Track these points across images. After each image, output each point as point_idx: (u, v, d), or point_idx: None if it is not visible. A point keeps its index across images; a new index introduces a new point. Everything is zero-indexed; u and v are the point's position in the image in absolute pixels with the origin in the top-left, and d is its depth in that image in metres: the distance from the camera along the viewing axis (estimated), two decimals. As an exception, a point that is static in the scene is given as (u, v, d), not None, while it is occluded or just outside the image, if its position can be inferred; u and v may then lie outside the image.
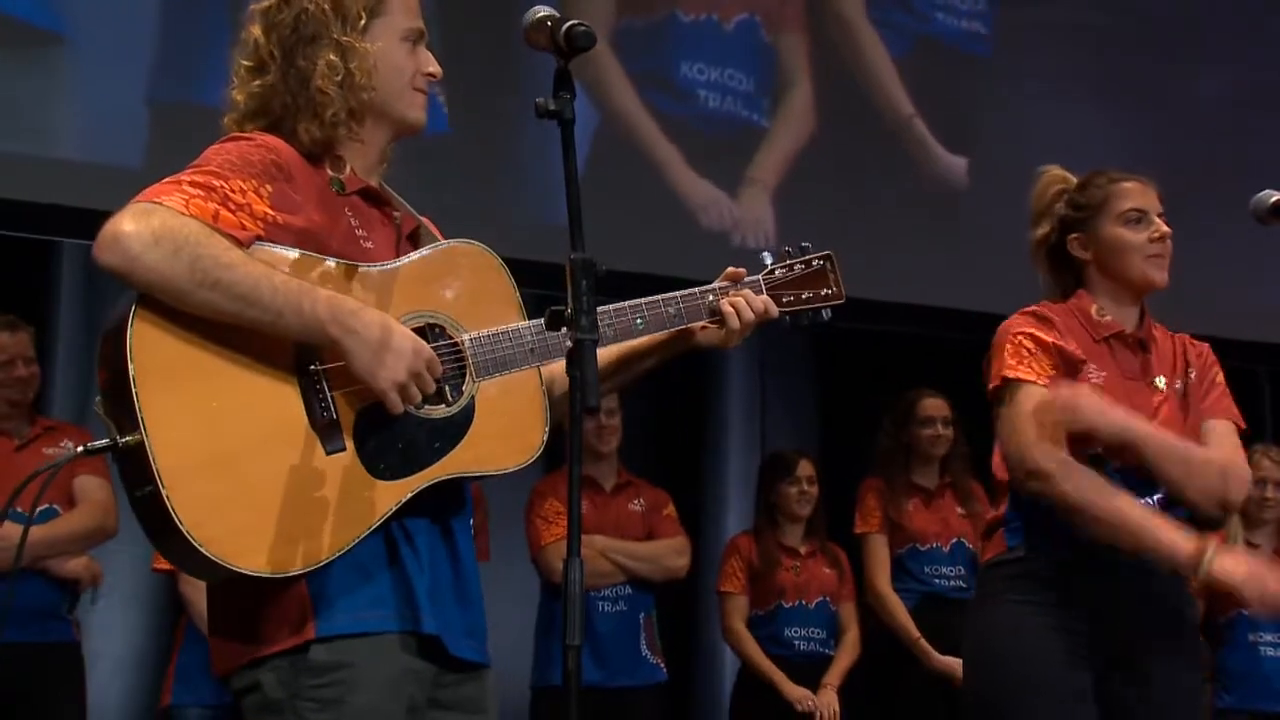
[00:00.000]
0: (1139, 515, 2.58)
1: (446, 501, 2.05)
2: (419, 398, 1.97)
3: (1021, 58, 5.64)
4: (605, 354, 2.19)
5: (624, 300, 2.20)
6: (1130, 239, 2.78)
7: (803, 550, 4.70)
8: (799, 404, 5.80)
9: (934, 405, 4.70)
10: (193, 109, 4.36)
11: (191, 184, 1.93)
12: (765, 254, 2.34)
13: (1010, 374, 2.67)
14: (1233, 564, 2.55)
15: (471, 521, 2.16)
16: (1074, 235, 2.82)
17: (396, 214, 2.16)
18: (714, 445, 5.75)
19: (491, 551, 4.58)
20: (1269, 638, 4.52)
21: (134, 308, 1.88)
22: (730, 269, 2.29)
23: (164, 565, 4.11)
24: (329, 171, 2.08)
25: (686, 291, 2.23)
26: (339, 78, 2.05)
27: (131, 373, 1.85)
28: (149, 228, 1.86)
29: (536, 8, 2.04)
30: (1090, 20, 5.66)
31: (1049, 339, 2.71)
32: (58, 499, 3.97)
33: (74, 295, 4.91)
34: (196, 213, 1.90)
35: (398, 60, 2.11)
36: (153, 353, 1.88)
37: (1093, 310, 2.79)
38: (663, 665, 4.50)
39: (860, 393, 5.35)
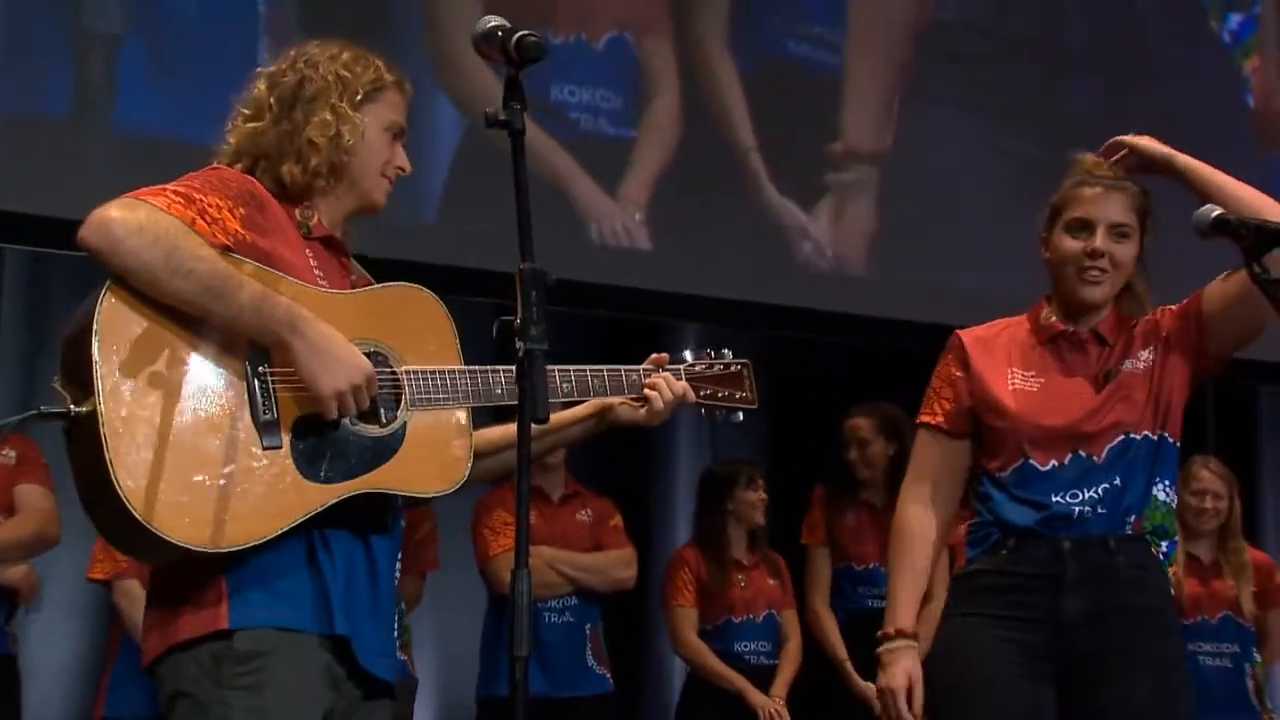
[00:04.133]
0: (903, 590, 2.73)
1: (369, 518, 2.16)
2: (354, 410, 2.11)
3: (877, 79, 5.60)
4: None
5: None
6: (1066, 249, 2.72)
7: (747, 562, 4.72)
8: (749, 415, 5.82)
9: (855, 426, 4.73)
10: (32, 122, 4.34)
11: (174, 192, 2.10)
12: (686, 352, 2.49)
13: (919, 419, 2.81)
14: (891, 671, 2.67)
15: (399, 561, 2.26)
16: (1042, 235, 2.79)
17: (353, 276, 2.31)
18: (662, 455, 5.76)
19: (440, 561, 4.58)
20: (1208, 647, 4.58)
21: (105, 288, 2.04)
22: (654, 355, 2.43)
23: (99, 575, 4.10)
24: (299, 215, 2.24)
25: (611, 368, 2.36)
26: (329, 133, 2.22)
27: (94, 347, 2.00)
28: (134, 217, 2.02)
29: (487, 18, 2.07)
30: (949, 42, 5.66)
31: (956, 373, 2.76)
32: (-2, 509, 3.93)
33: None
34: (177, 214, 2.06)
35: (378, 144, 2.28)
36: (117, 332, 2.02)
37: (1041, 315, 2.78)
38: (609, 676, 4.50)
39: (810, 402, 5.39)
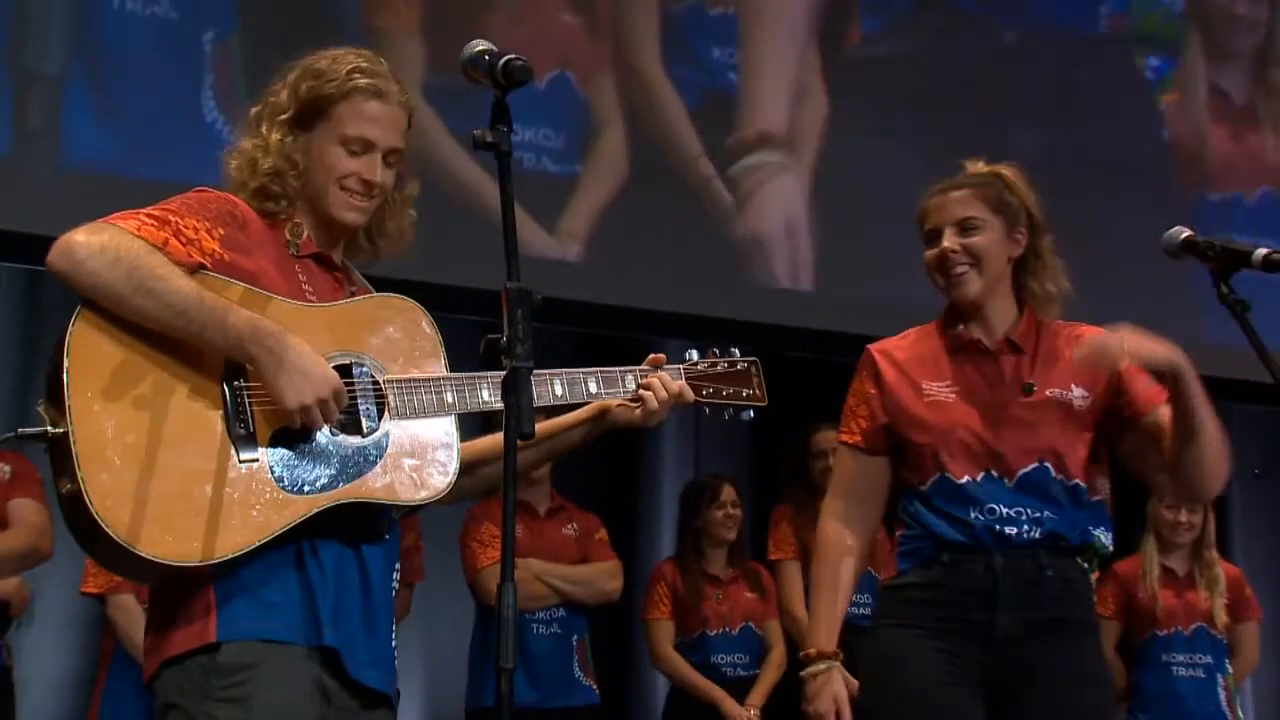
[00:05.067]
0: (821, 608, 2.73)
1: (358, 527, 2.15)
2: (322, 423, 2.09)
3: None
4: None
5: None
6: (928, 261, 2.74)
7: (725, 577, 4.77)
8: (733, 428, 5.85)
9: (825, 438, 4.77)
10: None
11: (148, 215, 2.11)
12: (692, 351, 2.44)
13: (839, 437, 2.81)
14: (819, 698, 2.64)
15: (396, 571, 2.25)
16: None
17: (352, 288, 2.29)
18: (648, 469, 5.80)
19: (427, 573, 4.62)
20: (1182, 658, 4.64)
21: (78, 310, 2.04)
22: (652, 355, 2.39)
23: (92, 589, 4.13)
24: (286, 235, 2.23)
25: (606, 369, 2.34)
26: (285, 154, 2.22)
27: (66, 368, 2.01)
28: (97, 240, 2.04)
29: (474, 41, 2.10)
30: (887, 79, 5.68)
31: (870, 390, 2.75)
32: (-8, 522, 3.96)
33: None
34: (146, 236, 2.07)
35: (329, 161, 2.23)
36: (89, 353, 2.03)
37: (947, 323, 2.77)
38: (595, 687, 4.54)
39: (794, 417, 5.42)
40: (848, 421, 2.78)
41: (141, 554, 1.98)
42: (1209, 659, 4.62)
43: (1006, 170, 2.78)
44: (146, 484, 2.00)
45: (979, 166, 2.80)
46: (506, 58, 2.04)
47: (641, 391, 2.34)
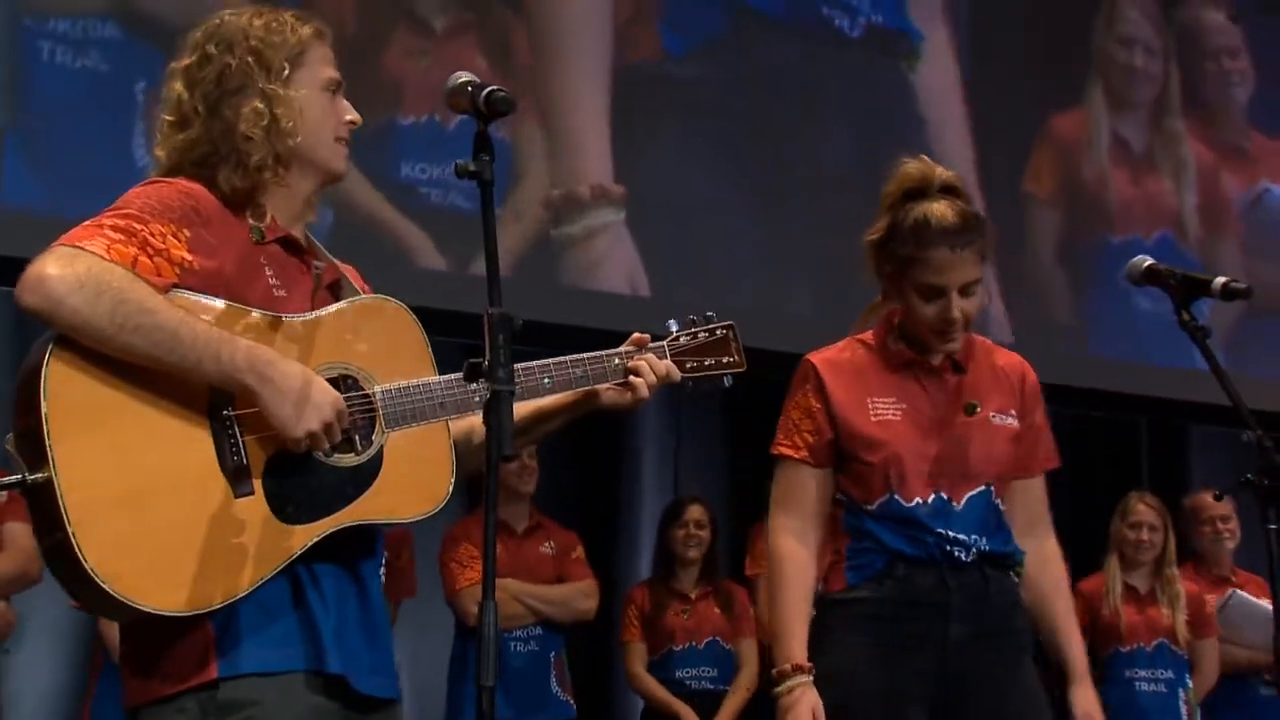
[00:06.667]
0: (788, 617, 2.69)
1: (355, 547, 2.08)
2: (326, 446, 2.00)
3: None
4: (515, 410, 2.22)
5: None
6: (920, 314, 2.66)
7: (694, 594, 4.85)
8: (712, 447, 5.92)
9: None
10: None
11: (113, 228, 1.96)
12: (671, 322, 2.39)
13: (775, 449, 2.77)
14: (796, 712, 2.63)
15: (382, 568, 2.18)
16: (884, 264, 2.71)
17: (318, 264, 2.18)
18: (628, 487, 5.85)
19: (417, 586, 4.66)
20: (1144, 673, 4.74)
21: (50, 347, 1.90)
22: (635, 334, 2.34)
23: (80, 601, 4.15)
24: (249, 220, 2.10)
25: (593, 354, 2.28)
26: (264, 123, 2.07)
27: (44, 411, 1.87)
28: (74, 272, 1.89)
29: (458, 73, 2.14)
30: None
31: (815, 404, 2.72)
32: (-19, 545, 3.97)
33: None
34: (118, 258, 1.93)
35: (320, 109, 2.14)
36: (66, 392, 1.89)
37: (889, 340, 2.74)
38: (572, 702, 4.61)
39: (768, 434, 5.48)
40: (790, 435, 2.75)
41: (138, 606, 1.88)
42: (1170, 674, 4.72)
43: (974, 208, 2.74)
44: (140, 531, 1.89)
45: (938, 209, 2.64)
46: (489, 89, 2.06)
47: (630, 376, 2.29)
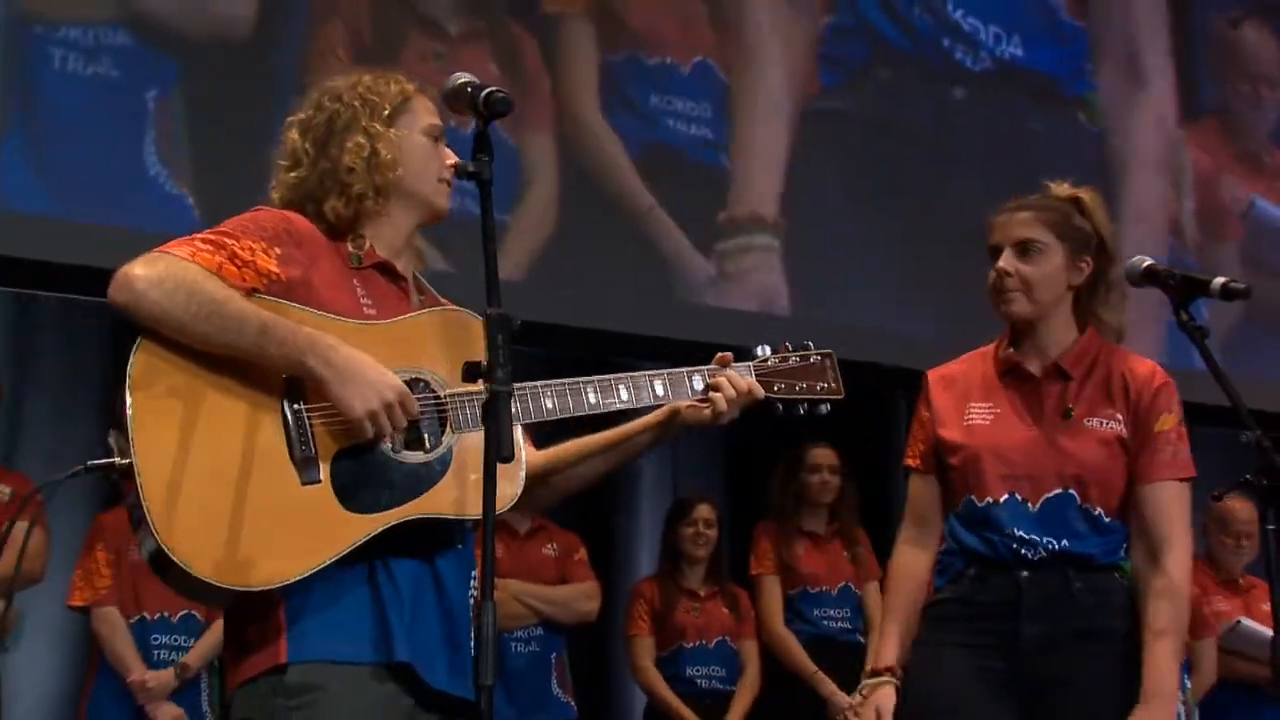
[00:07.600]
0: (885, 625, 2.82)
1: (433, 542, 2.14)
2: (389, 429, 2.08)
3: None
4: (604, 435, 2.33)
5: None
6: (989, 277, 2.75)
7: (703, 593, 4.85)
8: (710, 450, 5.93)
9: (822, 454, 4.92)
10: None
11: (203, 240, 2.13)
12: (764, 346, 2.40)
13: (906, 461, 2.88)
14: (865, 704, 2.73)
15: (474, 570, 2.20)
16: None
17: (420, 296, 2.29)
18: (626, 489, 5.85)
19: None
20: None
21: (138, 342, 2.08)
22: (720, 354, 2.34)
23: (78, 602, 4.20)
24: (349, 248, 2.24)
25: (673, 370, 2.31)
26: (365, 155, 2.22)
27: (129, 401, 2.04)
28: (154, 271, 2.06)
29: (456, 75, 2.17)
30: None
31: (924, 414, 2.83)
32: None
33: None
34: (201, 262, 2.09)
35: (423, 149, 2.27)
36: (150, 383, 2.06)
37: (1000, 347, 2.80)
38: (573, 703, 4.61)
39: (770, 440, 5.49)
40: (910, 445, 2.86)
41: (212, 582, 2.01)
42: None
43: (1086, 195, 2.76)
44: (210, 512, 2.02)
45: (1062, 189, 2.78)
46: (488, 90, 2.09)
47: (711, 392, 2.29)
